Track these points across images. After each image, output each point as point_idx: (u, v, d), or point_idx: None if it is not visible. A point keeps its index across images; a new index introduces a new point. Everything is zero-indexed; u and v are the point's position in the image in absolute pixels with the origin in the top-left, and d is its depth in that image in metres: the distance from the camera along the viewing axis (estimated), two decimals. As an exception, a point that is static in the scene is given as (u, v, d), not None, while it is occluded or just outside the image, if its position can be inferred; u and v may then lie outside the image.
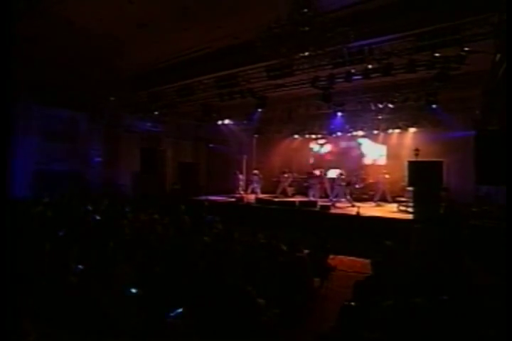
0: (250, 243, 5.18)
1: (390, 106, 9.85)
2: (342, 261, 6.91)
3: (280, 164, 15.40)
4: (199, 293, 3.04)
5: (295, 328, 3.66)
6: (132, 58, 10.00)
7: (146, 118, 13.05)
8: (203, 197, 12.92)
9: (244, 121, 13.20)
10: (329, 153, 15.36)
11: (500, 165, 5.38)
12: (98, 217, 6.59)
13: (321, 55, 6.30)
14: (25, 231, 4.97)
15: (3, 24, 3.01)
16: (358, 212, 9.50)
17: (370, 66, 6.90)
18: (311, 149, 15.78)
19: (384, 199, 12.06)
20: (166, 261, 3.91)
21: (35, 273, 3.31)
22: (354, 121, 12.64)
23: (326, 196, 12.97)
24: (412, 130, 12.53)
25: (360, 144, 14.52)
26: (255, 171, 14.03)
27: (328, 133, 14.13)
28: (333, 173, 13.63)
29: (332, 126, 12.94)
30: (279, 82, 8.72)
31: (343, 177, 12.04)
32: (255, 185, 13.85)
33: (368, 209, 10.39)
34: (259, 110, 10.92)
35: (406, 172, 11.34)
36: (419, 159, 10.20)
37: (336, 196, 12.17)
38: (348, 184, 12.01)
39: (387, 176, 12.23)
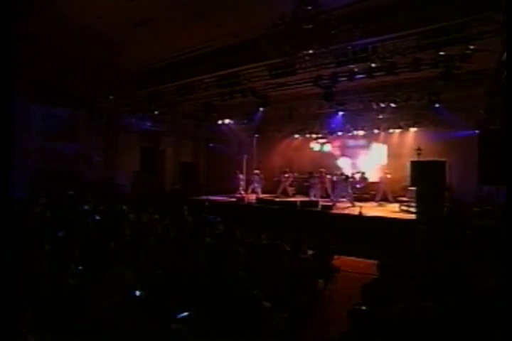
0: (253, 244, 5.10)
1: (392, 105, 9.77)
2: (344, 262, 6.81)
3: (280, 164, 15.32)
4: (203, 297, 2.95)
5: (301, 332, 3.58)
6: (132, 57, 9.93)
7: (145, 117, 12.95)
8: (204, 197, 12.84)
9: (245, 121, 13.12)
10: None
11: (503, 164, 5.33)
12: (98, 217, 6.50)
13: (325, 54, 6.21)
14: (24, 232, 4.88)
15: (2, 23, 2.94)
16: (360, 212, 9.43)
17: (373, 65, 6.82)
18: (311, 149, 15.72)
19: (385, 199, 11.99)
20: (168, 263, 3.82)
21: (33, 276, 3.22)
22: (355, 121, 12.57)
23: (327, 196, 12.90)
24: (413, 129, 12.47)
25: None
26: (256, 171, 13.94)
27: (329, 133, 14.07)
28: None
29: (333, 126, 12.87)
30: (281, 81, 8.64)
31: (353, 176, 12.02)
32: (256, 184, 13.76)
33: (370, 209, 10.32)
34: (261, 109, 10.83)
35: (407, 172, 11.29)
36: (421, 159, 10.14)
37: (337, 196, 12.11)
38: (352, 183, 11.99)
39: (388, 176, 12.16)
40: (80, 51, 9.22)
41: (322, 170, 13.67)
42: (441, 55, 6.21)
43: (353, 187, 12.14)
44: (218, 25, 7.78)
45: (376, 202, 11.89)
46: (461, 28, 5.51)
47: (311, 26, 5.16)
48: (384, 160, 13.88)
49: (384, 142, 13.82)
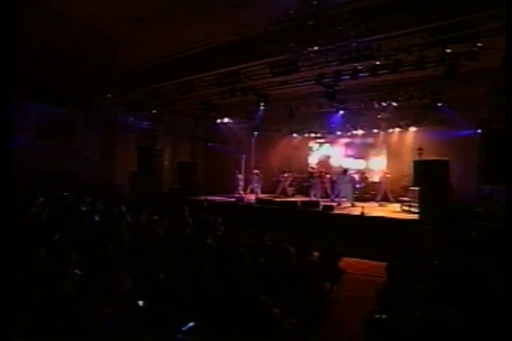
0: (257, 246, 4.95)
1: (394, 104, 9.66)
2: (348, 263, 6.67)
3: (279, 163, 15.20)
4: (209, 304, 2.80)
5: (310, 337, 3.44)
6: (130, 54, 9.71)
7: (143, 116, 12.76)
8: (202, 197, 12.67)
9: (244, 120, 12.97)
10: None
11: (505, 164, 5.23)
12: (97, 218, 6.33)
13: (329, 51, 6.06)
14: (19, 233, 4.69)
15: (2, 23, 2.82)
16: (362, 212, 9.31)
17: (377, 62, 6.69)
18: (310, 148, 15.61)
19: (386, 199, 11.89)
20: (170, 267, 3.66)
21: (28, 282, 3.05)
22: (355, 120, 12.46)
23: (327, 196, 12.79)
24: (413, 129, 12.39)
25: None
26: (256, 171, 13.81)
27: (328, 132, 13.96)
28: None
29: (332, 125, 12.74)
30: (282, 79, 8.49)
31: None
32: (255, 184, 13.63)
33: (371, 209, 10.21)
34: (261, 108, 10.68)
35: (408, 172, 11.21)
36: (422, 158, 10.05)
37: (337, 196, 12.00)
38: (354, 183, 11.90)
39: (389, 175, 12.08)
40: (77, 48, 9.01)
41: (322, 170, 13.58)
42: (448, 52, 6.09)
43: (353, 187, 12.04)
44: (219, 22, 7.62)
45: (377, 202, 11.80)
46: (469, 25, 5.39)
47: (316, 22, 5.02)
48: (384, 160, 13.82)
49: (384, 141, 13.74)
